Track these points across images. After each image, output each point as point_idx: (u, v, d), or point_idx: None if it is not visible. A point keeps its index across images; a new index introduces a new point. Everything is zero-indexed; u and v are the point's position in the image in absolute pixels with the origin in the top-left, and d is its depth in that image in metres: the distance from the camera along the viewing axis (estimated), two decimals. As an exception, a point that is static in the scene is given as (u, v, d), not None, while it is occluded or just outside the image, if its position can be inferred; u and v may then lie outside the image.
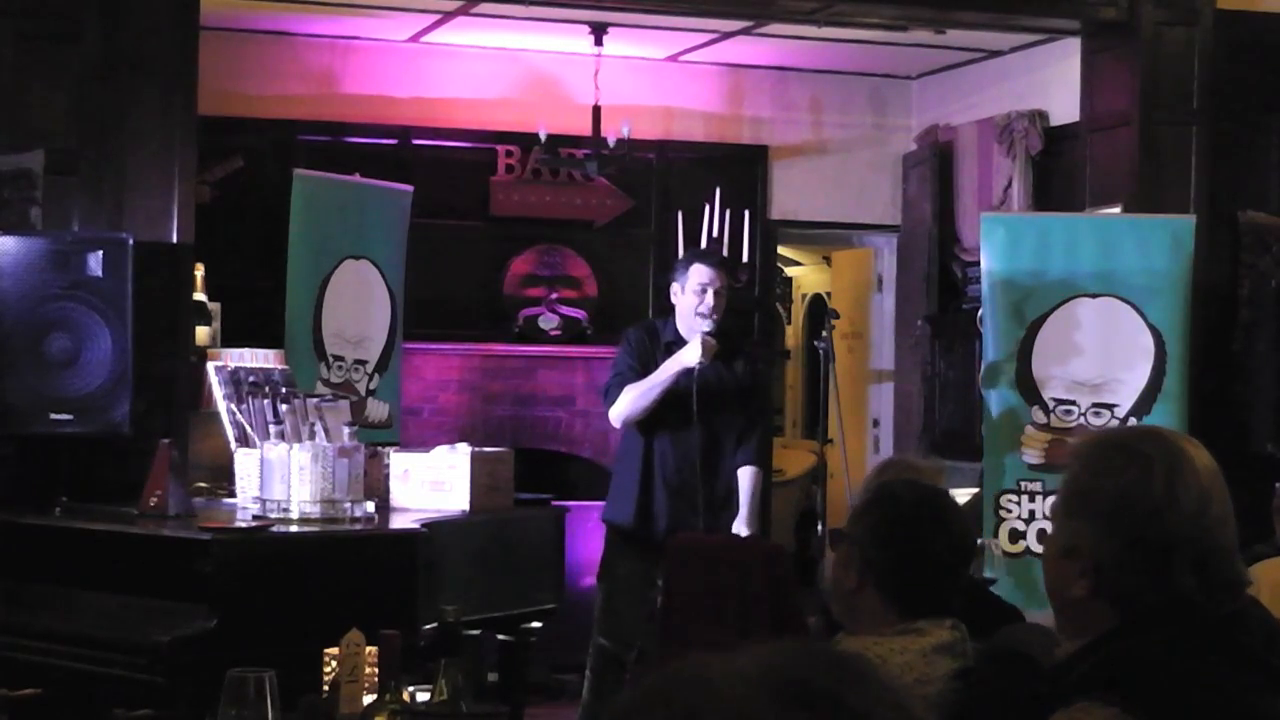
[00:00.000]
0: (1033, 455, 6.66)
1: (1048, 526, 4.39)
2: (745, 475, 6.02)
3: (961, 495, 6.70)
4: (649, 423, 6.01)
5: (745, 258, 8.76)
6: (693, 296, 6.00)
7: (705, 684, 1.15)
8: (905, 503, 3.02)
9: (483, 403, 8.54)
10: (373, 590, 4.79)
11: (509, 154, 8.72)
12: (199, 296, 6.81)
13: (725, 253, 8.72)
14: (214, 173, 7.83)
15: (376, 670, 3.25)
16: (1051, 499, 4.47)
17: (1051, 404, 6.67)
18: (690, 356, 5.90)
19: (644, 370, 5.99)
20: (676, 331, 6.04)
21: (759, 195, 9.12)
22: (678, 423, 5.96)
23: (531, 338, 8.63)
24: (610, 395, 6.06)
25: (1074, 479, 2.28)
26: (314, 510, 4.93)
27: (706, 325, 5.96)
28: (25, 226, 6.06)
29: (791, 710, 1.13)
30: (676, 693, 1.15)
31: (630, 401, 5.97)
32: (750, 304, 9.10)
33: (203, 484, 5.73)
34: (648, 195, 8.94)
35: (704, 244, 8.66)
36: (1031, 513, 6.63)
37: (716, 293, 5.99)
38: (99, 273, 5.75)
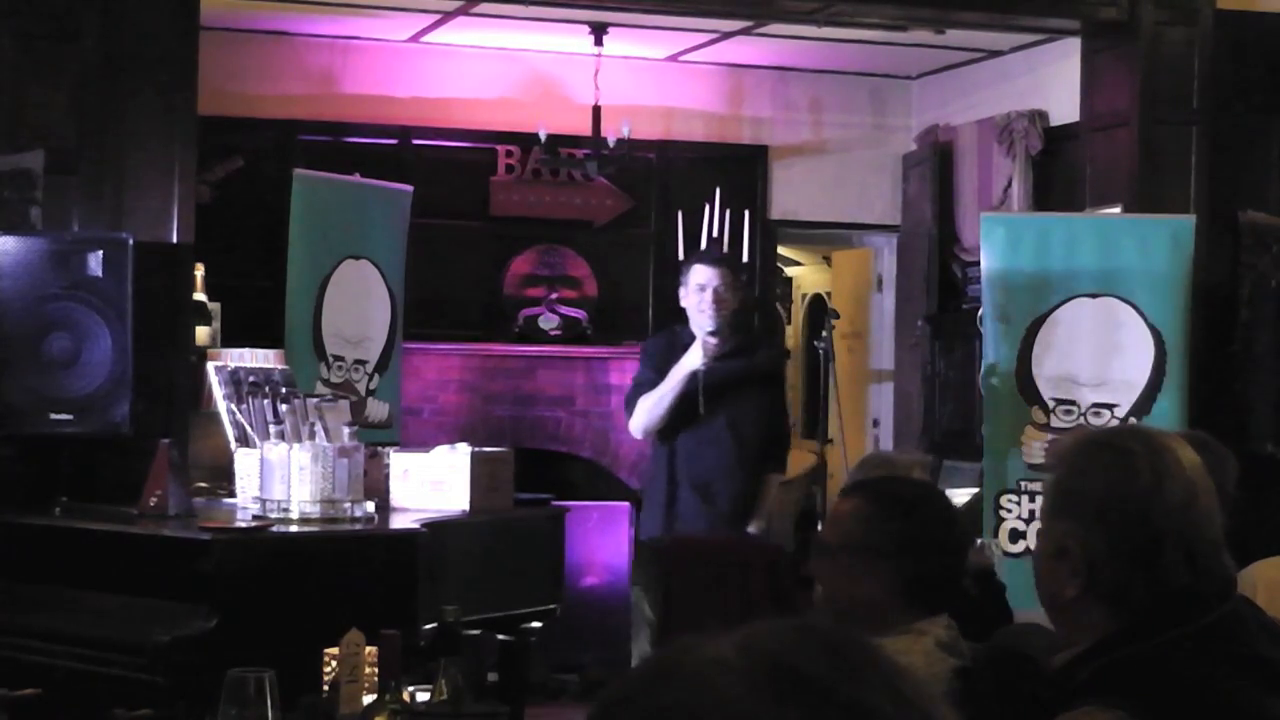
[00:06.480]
0: (1033, 455, 6.66)
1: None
2: (770, 481, 6.19)
3: (961, 495, 6.70)
4: (668, 429, 6.08)
5: (745, 258, 8.76)
6: (694, 296, 6.07)
7: (681, 675, 0.99)
8: (916, 501, 3.01)
9: (483, 403, 8.53)
10: (373, 590, 4.79)
11: (509, 154, 8.72)
12: (199, 296, 6.81)
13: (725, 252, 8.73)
14: (214, 173, 7.82)
15: (376, 670, 3.25)
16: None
17: (1051, 404, 6.66)
18: (692, 360, 5.98)
19: (662, 379, 6.05)
20: (692, 335, 6.10)
21: (759, 195, 9.12)
22: (692, 424, 6.02)
23: (531, 338, 8.62)
24: (629, 409, 6.16)
25: (1059, 480, 2.27)
26: (314, 510, 4.92)
27: (709, 324, 6.00)
28: (25, 226, 6.05)
29: (775, 705, 0.97)
30: (650, 684, 1.00)
31: (645, 412, 6.05)
32: (750, 304, 9.11)
33: (203, 484, 5.72)
34: (648, 195, 8.93)
35: (704, 244, 8.66)
36: (1032, 513, 6.62)
37: (716, 290, 6.03)
38: (99, 273, 5.74)
